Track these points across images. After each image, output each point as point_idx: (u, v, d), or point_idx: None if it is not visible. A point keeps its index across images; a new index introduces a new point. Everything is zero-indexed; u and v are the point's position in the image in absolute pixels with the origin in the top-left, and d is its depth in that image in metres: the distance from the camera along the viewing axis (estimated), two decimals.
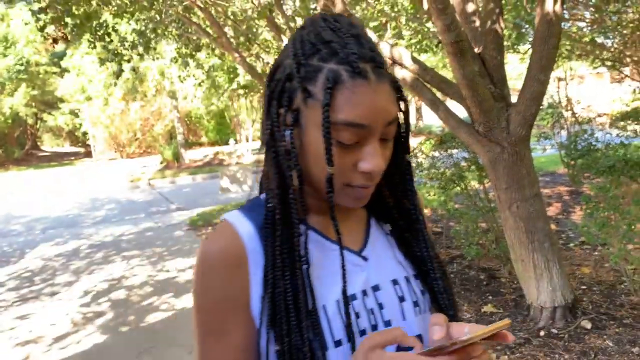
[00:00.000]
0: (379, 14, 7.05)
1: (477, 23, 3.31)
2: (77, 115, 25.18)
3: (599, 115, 4.86)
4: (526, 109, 3.14)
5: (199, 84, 10.12)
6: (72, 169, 22.17)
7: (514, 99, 3.29)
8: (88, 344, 4.13)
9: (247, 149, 20.17)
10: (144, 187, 15.44)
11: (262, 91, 12.95)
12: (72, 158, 28.14)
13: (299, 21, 6.61)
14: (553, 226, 5.80)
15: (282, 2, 6.23)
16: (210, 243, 0.78)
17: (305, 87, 0.72)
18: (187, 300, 4.93)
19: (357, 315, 0.78)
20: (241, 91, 12.52)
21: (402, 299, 0.83)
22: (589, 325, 3.31)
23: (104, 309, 4.92)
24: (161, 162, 20.13)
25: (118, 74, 8.16)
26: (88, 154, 26.72)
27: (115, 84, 12.65)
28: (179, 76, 8.88)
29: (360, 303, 0.79)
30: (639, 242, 3.53)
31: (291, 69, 0.74)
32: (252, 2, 6.37)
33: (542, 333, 3.29)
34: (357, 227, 0.87)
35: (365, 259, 0.83)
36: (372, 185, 0.77)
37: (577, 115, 7.20)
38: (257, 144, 23.68)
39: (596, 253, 4.68)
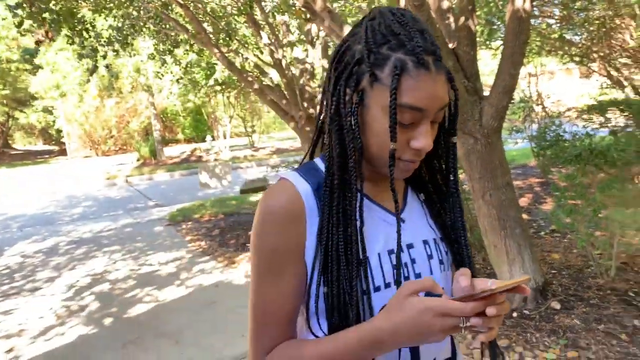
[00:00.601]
0: (358, 11, 7.18)
1: (451, 20, 3.46)
2: (50, 113, 24.76)
3: (568, 109, 5.07)
4: (498, 102, 3.31)
5: (177, 81, 10.12)
6: (46, 167, 21.81)
7: (486, 93, 3.46)
8: (73, 335, 4.18)
9: (224, 145, 20.13)
10: (121, 185, 15.33)
11: (240, 87, 12.96)
12: (47, 156, 27.65)
13: (278, 17, 6.70)
14: (525, 216, 6.02)
15: None
16: (273, 197, 0.90)
17: (374, 71, 0.84)
18: (171, 293, 5.01)
19: (394, 267, 0.91)
20: (218, 87, 12.51)
21: (430, 257, 0.97)
22: (558, 306, 3.50)
23: (87, 302, 4.96)
24: (138, 159, 19.97)
25: (93, 70, 8.13)
26: (62, 152, 26.29)
27: (89, 81, 12.53)
28: (157, 72, 8.87)
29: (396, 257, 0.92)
30: (605, 228, 3.73)
31: (361, 55, 0.86)
32: None
33: (514, 314, 3.47)
34: (399, 194, 1.01)
35: (403, 220, 0.97)
36: (418, 160, 0.90)
37: (547, 109, 7.46)
38: (235, 140, 23.67)
39: (565, 240, 4.90)
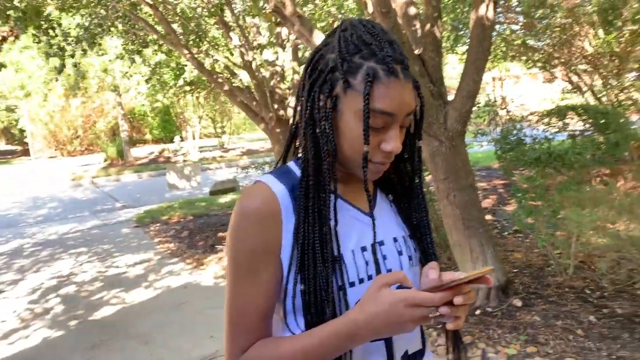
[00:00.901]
0: (327, 15, 7.26)
1: (418, 26, 3.56)
2: (13, 112, 24.11)
3: (531, 114, 5.24)
4: (462, 106, 3.42)
5: (146, 81, 10.01)
6: (9, 168, 21.25)
7: (451, 97, 3.57)
8: (37, 339, 4.13)
9: (193, 146, 19.96)
10: (87, 186, 15.07)
11: (210, 88, 12.90)
12: (9, 156, 26.90)
13: (249, 20, 6.72)
14: (490, 216, 6.19)
15: (231, 0, 6.33)
16: (250, 199, 0.93)
17: (347, 78, 0.89)
18: (139, 295, 4.98)
19: (367, 263, 0.97)
20: (188, 88, 12.42)
21: (400, 253, 1.03)
22: (519, 304, 3.63)
23: (52, 305, 4.89)
24: (104, 160, 19.64)
25: (60, 69, 7.99)
26: (25, 152, 25.61)
27: (57, 80, 12.28)
28: (125, 73, 8.77)
29: (369, 254, 0.98)
30: (563, 228, 3.88)
31: (335, 63, 0.91)
32: (202, 0, 6.43)
33: (477, 312, 3.59)
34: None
35: (374, 219, 1.02)
36: (388, 162, 0.96)
37: (511, 113, 7.67)
38: (205, 141, 23.47)
39: (527, 240, 5.06)
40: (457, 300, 0.80)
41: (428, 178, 4.59)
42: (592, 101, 7.26)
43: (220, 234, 6.90)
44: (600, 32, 6.54)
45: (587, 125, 4.25)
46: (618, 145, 3.78)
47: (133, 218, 9.05)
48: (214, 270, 5.53)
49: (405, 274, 0.86)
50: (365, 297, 0.85)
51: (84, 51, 7.53)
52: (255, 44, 6.55)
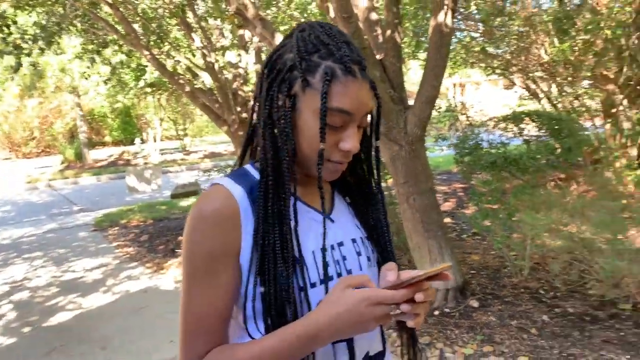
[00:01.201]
0: (289, 19, 7.28)
1: (379, 32, 3.61)
2: None
3: (490, 119, 5.39)
4: (421, 112, 3.49)
5: (105, 82, 9.81)
6: None
7: (412, 102, 3.63)
8: None
9: (154, 148, 19.64)
10: (43, 189, 14.63)
11: (171, 90, 12.72)
12: None
13: (211, 21, 6.68)
14: (449, 219, 6.31)
15: (193, 2, 6.27)
16: (208, 201, 0.92)
17: (306, 77, 0.90)
18: (96, 299, 4.87)
19: (327, 264, 0.97)
20: (149, 89, 12.22)
21: (359, 254, 1.03)
22: (476, 304, 3.72)
23: (4, 311, 4.73)
24: (62, 162, 19.11)
25: (16, 68, 7.75)
26: None
27: (13, 79, 11.89)
28: (84, 73, 8.57)
29: (329, 255, 0.98)
30: (519, 231, 3.99)
31: (293, 62, 0.91)
32: (164, 0, 6.35)
33: (436, 312, 3.66)
34: (327, 196, 1.07)
35: (332, 220, 1.03)
36: (346, 162, 0.97)
37: (470, 119, 7.87)
38: (166, 144, 23.12)
39: (485, 242, 5.18)
40: (418, 297, 0.82)
41: (389, 182, 4.66)
42: (548, 107, 7.49)
43: (180, 238, 6.79)
44: (556, 40, 6.76)
45: (542, 131, 4.39)
46: (571, 151, 3.92)
47: (91, 222, 8.83)
48: (174, 275, 5.46)
49: (369, 277, 0.87)
50: (327, 298, 0.86)
51: (42, 50, 7.32)
52: (217, 45, 6.50)
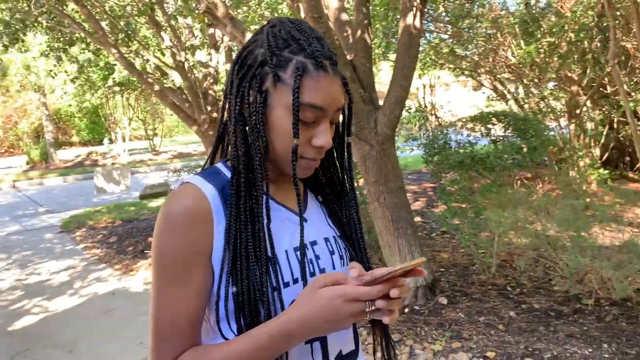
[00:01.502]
0: (260, 18, 7.26)
1: (349, 32, 3.64)
2: None
3: (459, 120, 5.48)
4: (391, 112, 3.52)
5: (72, 80, 9.62)
6: None
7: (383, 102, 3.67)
8: None
9: (123, 148, 19.32)
10: (7, 190, 14.25)
11: (140, 89, 12.54)
12: None
13: (181, 20, 6.61)
14: (419, 218, 6.39)
15: (163, 0, 6.20)
16: (178, 201, 0.90)
17: (277, 72, 0.89)
18: (63, 302, 4.77)
19: (304, 263, 0.95)
20: (117, 88, 12.04)
21: (332, 253, 1.03)
22: (445, 301, 3.78)
23: None
24: (27, 163, 18.64)
25: None
26: None
27: None
28: (50, 71, 8.38)
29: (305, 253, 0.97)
30: (487, 229, 4.07)
31: (264, 57, 0.90)
32: None
33: (406, 310, 3.70)
34: (300, 195, 1.04)
35: (305, 219, 1.01)
36: (319, 158, 0.95)
37: (440, 119, 7.99)
38: (135, 144, 22.78)
39: (454, 241, 5.26)
40: (394, 292, 0.81)
41: (360, 181, 4.70)
42: (515, 108, 7.65)
43: (150, 239, 6.72)
44: (522, 43, 6.91)
45: (509, 131, 4.48)
46: (536, 150, 4.01)
47: (57, 223, 8.65)
48: (144, 276, 5.39)
49: (344, 275, 0.86)
50: (301, 296, 0.85)
51: (5, 47, 7.14)
52: (187, 44, 6.44)
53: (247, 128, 0.93)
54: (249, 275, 0.88)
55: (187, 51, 6.27)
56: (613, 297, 3.44)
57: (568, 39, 6.45)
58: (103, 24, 6.31)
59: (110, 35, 6.19)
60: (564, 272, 3.51)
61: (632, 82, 6.55)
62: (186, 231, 0.87)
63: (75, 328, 4.14)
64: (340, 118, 1.02)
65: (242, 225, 0.90)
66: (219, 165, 1.01)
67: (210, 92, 6.31)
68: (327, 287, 0.83)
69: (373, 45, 6.08)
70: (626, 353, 2.99)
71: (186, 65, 6.16)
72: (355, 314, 0.81)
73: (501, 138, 4.45)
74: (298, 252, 0.96)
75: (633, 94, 6.33)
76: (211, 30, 6.35)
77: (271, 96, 0.90)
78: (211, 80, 6.38)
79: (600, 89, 6.79)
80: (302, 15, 3.26)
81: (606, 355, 2.98)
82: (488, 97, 8.70)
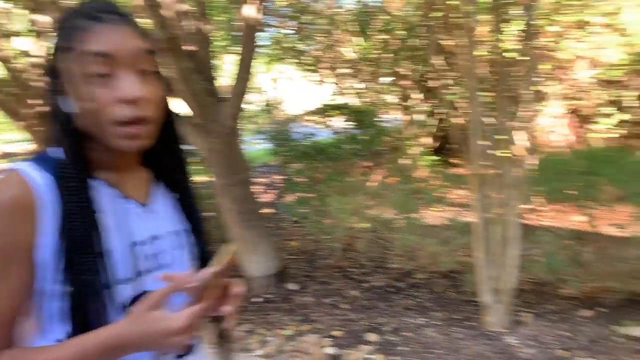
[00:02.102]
0: None
1: (188, 23, 3.56)
2: None
3: (304, 113, 5.68)
4: (234, 104, 3.54)
5: None
6: None
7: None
8: None
9: None
10: None
11: None
12: None
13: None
14: (271, 209, 6.50)
15: None
16: None
17: (64, 46, 0.86)
18: None
19: (138, 259, 0.92)
20: None
21: (177, 248, 1.00)
22: (296, 287, 3.92)
23: None
24: None
25: None
26: None
27: None
28: None
29: (143, 248, 0.94)
30: (331, 215, 4.28)
31: (54, 42, 0.88)
32: None
33: (258, 300, 3.77)
34: (144, 185, 1.01)
35: (150, 212, 0.98)
36: (139, 119, 0.87)
37: (286, 112, 8.18)
38: None
39: (305, 229, 5.44)
40: (227, 309, 0.87)
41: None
42: (357, 102, 8.08)
43: None
44: (358, 39, 7.30)
45: (349, 123, 4.76)
46: (372, 140, 4.31)
47: None
48: None
49: (165, 291, 0.83)
50: (134, 314, 0.82)
51: None
52: (5, 31, 5.80)
53: (61, 112, 0.88)
54: (80, 272, 0.83)
55: (5, 38, 5.65)
56: (442, 270, 3.85)
57: (399, 37, 6.96)
58: None
59: None
60: (399, 251, 3.83)
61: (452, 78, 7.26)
62: (5, 225, 0.81)
63: None
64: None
65: (73, 217, 0.84)
66: (50, 150, 0.91)
67: (37, 84, 5.76)
68: (154, 316, 0.81)
69: (217, 38, 6.03)
70: (454, 319, 3.37)
71: (6, 54, 5.55)
72: (181, 343, 0.82)
73: (342, 130, 4.71)
74: (136, 247, 0.93)
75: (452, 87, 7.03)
76: (35, 17, 5.79)
77: (68, 72, 0.86)
78: (38, 71, 5.82)
79: (428, 84, 7.44)
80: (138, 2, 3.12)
81: (437, 322, 3.33)
82: (333, 91, 9.08)
